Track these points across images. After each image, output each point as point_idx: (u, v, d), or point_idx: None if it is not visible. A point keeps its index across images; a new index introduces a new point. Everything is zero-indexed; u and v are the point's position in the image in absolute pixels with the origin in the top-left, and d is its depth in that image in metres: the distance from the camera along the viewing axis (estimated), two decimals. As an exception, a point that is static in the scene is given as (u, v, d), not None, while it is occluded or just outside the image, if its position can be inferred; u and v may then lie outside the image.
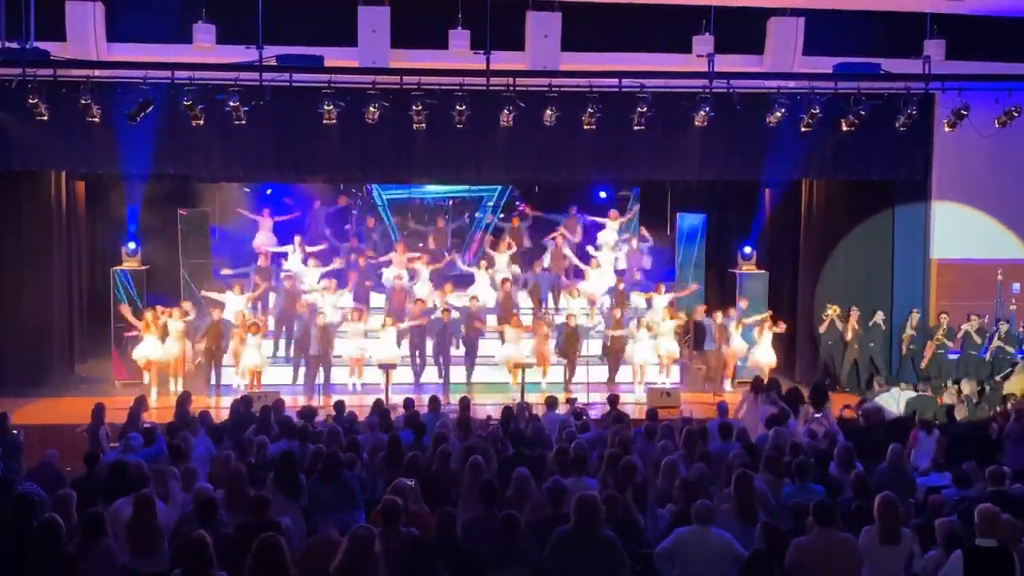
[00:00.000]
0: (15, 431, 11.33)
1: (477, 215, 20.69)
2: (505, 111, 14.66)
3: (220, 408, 13.97)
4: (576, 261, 17.93)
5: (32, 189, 16.13)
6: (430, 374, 15.82)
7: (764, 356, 15.80)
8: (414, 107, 14.46)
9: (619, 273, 17.78)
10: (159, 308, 15.50)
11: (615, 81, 14.84)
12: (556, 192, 19.26)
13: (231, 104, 14.20)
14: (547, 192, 19.50)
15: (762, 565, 6.61)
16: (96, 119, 14.25)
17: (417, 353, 15.77)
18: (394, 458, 9.19)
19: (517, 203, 20.38)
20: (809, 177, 16.93)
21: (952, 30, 15.27)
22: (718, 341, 15.91)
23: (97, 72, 14.39)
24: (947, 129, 15.37)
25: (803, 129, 15.23)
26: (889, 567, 6.84)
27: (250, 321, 15.55)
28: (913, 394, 13.76)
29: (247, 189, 19.06)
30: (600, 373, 16.05)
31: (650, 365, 15.93)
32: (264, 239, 17.89)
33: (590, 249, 17.97)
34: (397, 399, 13.14)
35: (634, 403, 15.09)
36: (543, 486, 7.92)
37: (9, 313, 16.11)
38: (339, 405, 12.02)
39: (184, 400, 12.17)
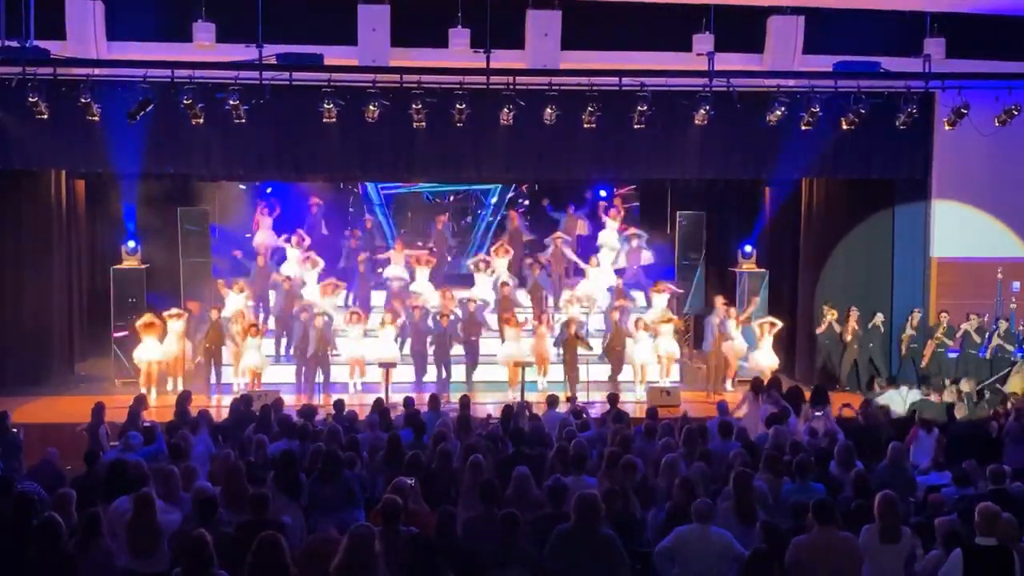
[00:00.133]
0: (15, 430, 11.34)
1: (479, 212, 20.69)
2: (505, 110, 14.65)
3: (220, 407, 13.98)
4: (575, 258, 17.94)
5: (32, 188, 16.13)
6: (430, 373, 15.81)
7: (766, 359, 15.77)
8: (414, 106, 14.45)
9: (619, 272, 17.78)
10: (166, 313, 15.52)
11: (615, 80, 14.83)
12: (556, 191, 19.26)
13: (231, 103, 14.19)
14: (547, 191, 19.50)
15: (763, 564, 6.61)
16: (96, 118, 14.24)
17: (418, 356, 15.76)
18: (394, 457, 9.20)
19: (520, 200, 20.43)
20: (809, 176, 16.92)
21: (952, 29, 15.25)
22: (717, 340, 15.89)
23: (97, 71, 14.37)
24: (947, 128, 15.37)
25: (803, 128, 15.22)
26: (889, 566, 6.84)
27: (249, 322, 15.56)
28: (918, 397, 13.74)
29: (243, 186, 19.05)
30: (600, 372, 16.03)
31: (651, 365, 15.91)
32: (264, 238, 17.90)
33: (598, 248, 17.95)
34: (397, 398, 13.14)
35: (634, 402, 15.09)
36: (544, 485, 7.92)
37: (9, 312, 16.11)
38: (339, 404, 12.01)
39: (184, 399, 12.17)
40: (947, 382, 14.60)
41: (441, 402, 12.17)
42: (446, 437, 9.62)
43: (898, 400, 13.95)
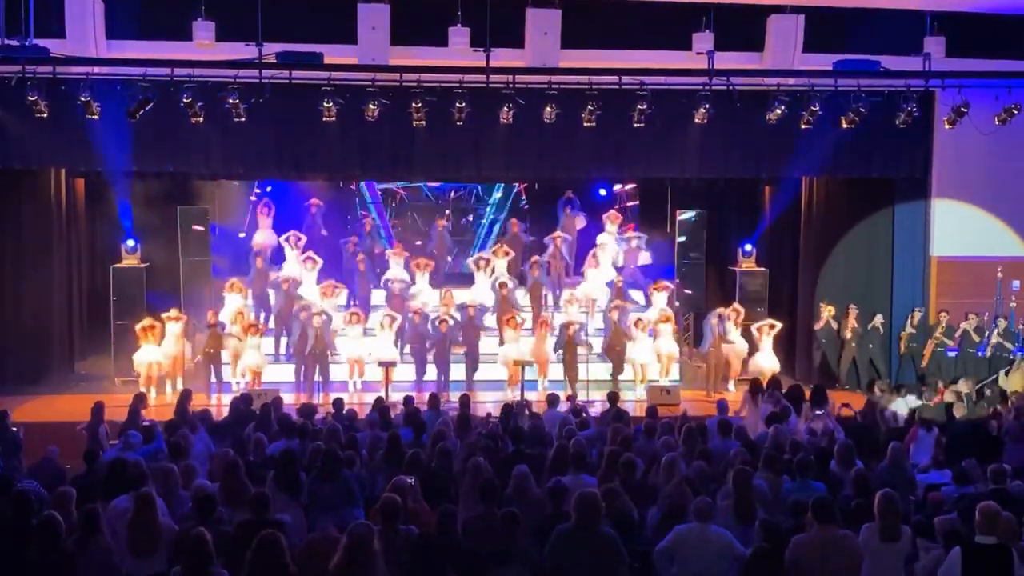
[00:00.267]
0: (15, 428, 11.35)
1: (478, 208, 20.68)
2: (505, 108, 14.65)
3: (221, 406, 13.98)
4: (570, 261, 17.94)
5: (32, 187, 16.12)
6: (430, 372, 15.80)
7: (767, 361, 15.75)
8: (414, 104, 14.44)
9: (619, 270, 17.77)
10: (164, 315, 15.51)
11: (615, 78, 14.82)
12: (556, 190, 19.25)
13: (231, 101, 14.19)
14: (547, 191, 19.50)
15: (764, 563, 6.61)
16: (96, 116, 14.23)
17: (418, 355, 15.77)
18: (394, 456, 9.20)
19: (522, 203, 20.44)
20: (809, 174, 16.91)
21: (952, 27, 15.26)
22: (716, 340, 15.87)
23: (96, 69, 14.37)
24: (947, 126, 15.37)
25: (803, 127, 15.22)
26: (889, 564, 6.84)
27: (249, 321, 15.56)
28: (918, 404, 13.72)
29: (237, 183, 19.03)
30: (599, 371, 16.03)
31: (651, 364, 15.90)
32: (264, 238, 17.89)
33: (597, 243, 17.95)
34: (397, 397, 13.14)
35: (634, 401, 15.09)
36: (544, 484, 7.92)
37: (9, 311, 16.12)
38: (338, 403, 12.00)
39: (185, 398, 12.16)
40: (940, 385, 14.61)
41: (441, 401, 12.17)
42: (446, 436, 9.62)
43: (903, 408, 13.92)
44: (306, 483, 8.23)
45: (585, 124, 14.87)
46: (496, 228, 20.50)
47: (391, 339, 15.59)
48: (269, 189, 19.03)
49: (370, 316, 16.35)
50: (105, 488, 8.03)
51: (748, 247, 17.38)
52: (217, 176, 17.42)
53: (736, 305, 16.33)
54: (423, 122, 14.67)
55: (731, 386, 15.94)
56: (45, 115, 14.11)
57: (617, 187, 20.00)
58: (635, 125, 14.98)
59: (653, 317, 16.14)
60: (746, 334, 16.09)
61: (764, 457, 8.70)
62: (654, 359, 15.90)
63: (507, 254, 17.57)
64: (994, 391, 14.80)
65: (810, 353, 17.10)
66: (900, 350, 16.70)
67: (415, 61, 14.87)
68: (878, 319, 16.60)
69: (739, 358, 16.05)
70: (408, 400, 11.91)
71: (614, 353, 15.82)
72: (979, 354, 16.20)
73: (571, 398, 13.63)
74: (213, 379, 15.41)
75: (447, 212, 20.04)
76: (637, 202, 20.05)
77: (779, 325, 16.09)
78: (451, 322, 15.58)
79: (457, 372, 15.73)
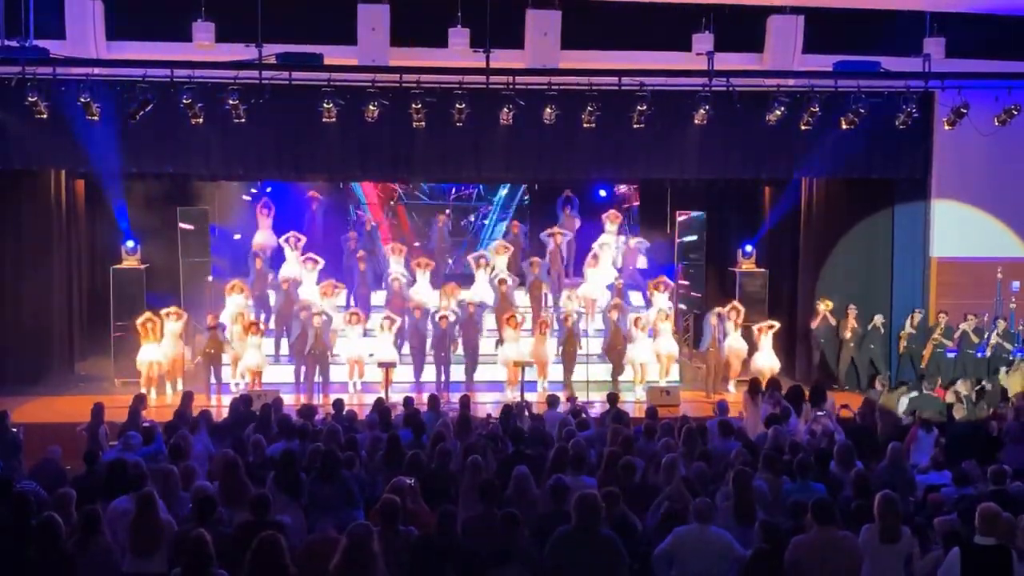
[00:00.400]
0: (15, 429, 11.35)
1: (479, 207, 20.68)
2: (505, 109, 14.66)
3: (221, 407, 13.97)
4: (568, 259, 17.96)
5: (32, 187, 16.12)
6: (430, 373, 15.81)
7: (767, 362, 15.76)
8: (413, 105, 14.45)
9: (619, 271, 17.77)
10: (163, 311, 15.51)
11: (615, 79, 14.83)
12: (556, 191, 19.25)
13: (231, 102, 14.19)
14: (547, 191, 19.50)
15: (764, 564, 6.61)
16: (95, 117, 14.24)
17: (417, 353, 15.76)
18: (393, 457, 9.20)
19: (525, 202, 20.44)
20: (809, 175, 16.91)
21: (952, 28, 15.24)
22: (715, 340, 15.87)
23: (96, 70, 14.37)
24: (947, 127, 15.37)
25: (803, 127, 15.23)
26: (889, 565, 6.84)
27: (249, 321, 15.56)
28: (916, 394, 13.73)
29: (237, 184, 19.01)
30: (600, 372, 16.04)
31: (650, 365, 15.90)
32: (264, 239, 17.88)
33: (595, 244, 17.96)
34: (397, 398, 13.13)
35: (634, 402, 15.09)
36: (544, 484, 7.92)
37: (9, 312, 16.11)
38: (338, 404, 12.00)
39: (187, 400, 12.16)
40: (939, 386, 14.61)
41: (441, 402, 12.17)
42: (445, 437, 9.62)
43: (904, 404, 13.95)
44: (306, 484, 8.24)
45: (585, 125, 14.87)
46: (500, 228, 20.48)
47: (391, 340, 15.59)
48: (269, 190, 19.03)
49: (370, 316, 16.35)
50: (105, 489, 8.03)
51: (748, 248, 17.38)
52: (217, 177, 17.42)
53: (735, 303, 16.31)
54: (423, 123, 14.67)
55: (731, 387, 15.93)
56: (45, 116, 14.11)
57: (623, 188, 20.00)
58: (635, 126, 14.98)
59: (653, 317, 16.14)
60: (746, 334, 16.11)
61: (764, 458, 8.70)
62: (654, 359, 15.90)
63: (507, 250, 17.58)
64: (995, 387, 14.79)
65: (810, 354, 17.10)
66: (899, 351, 16.70)
67: (415, 62, 14.87)
68: (878, 319, 16.60)
69: (739, 358, 16.05)
70: (408, 401, 11.91)
71: (614, 354, 15.81)
72: (978, 355, 16.21)
73: (571, 399, 13.62)
74: (213, 380, 15.42)
75: (447, 210, 20.02)
76: (636, 204, 20.08)
77: (777, 325, 16.10)
78: (451, 318, 15.59)
79: (457, 373, 15.73)
